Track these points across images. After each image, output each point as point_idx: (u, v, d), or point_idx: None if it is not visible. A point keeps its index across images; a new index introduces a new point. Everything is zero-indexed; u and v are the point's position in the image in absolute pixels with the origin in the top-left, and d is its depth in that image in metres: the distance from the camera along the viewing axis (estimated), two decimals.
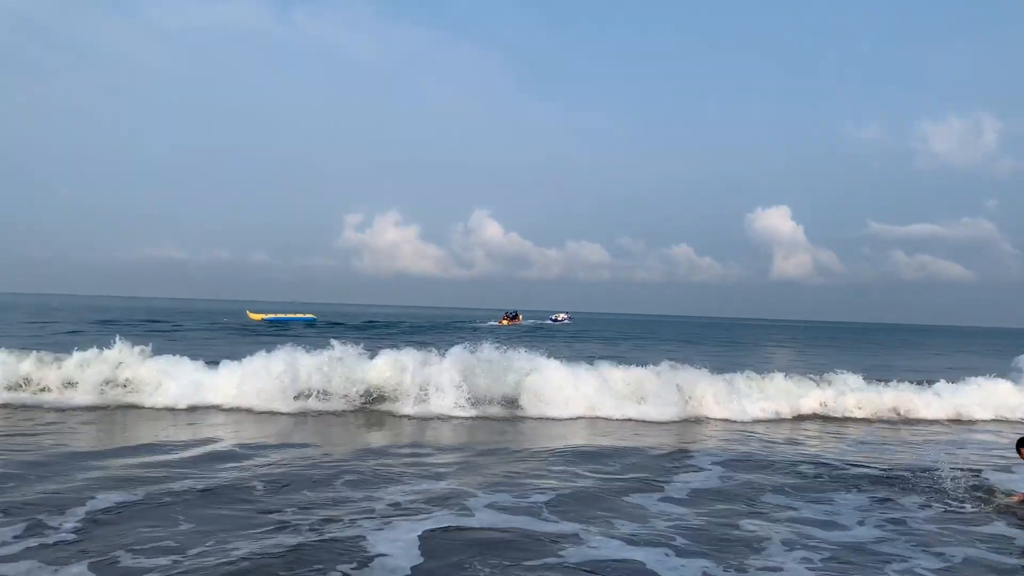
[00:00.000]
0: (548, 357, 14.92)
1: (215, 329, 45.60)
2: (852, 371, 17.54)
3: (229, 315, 68.47)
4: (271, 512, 6.40)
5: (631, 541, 6.04)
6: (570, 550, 5.74)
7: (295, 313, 66.18)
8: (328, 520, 6.20)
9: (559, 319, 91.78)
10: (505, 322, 76.28)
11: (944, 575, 5.69)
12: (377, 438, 10.93)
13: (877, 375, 19.16)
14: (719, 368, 16.64)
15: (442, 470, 8.57)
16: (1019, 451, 8.35)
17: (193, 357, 14.46)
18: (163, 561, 5.04)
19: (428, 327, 61.94)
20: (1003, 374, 18.29)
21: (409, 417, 12.80)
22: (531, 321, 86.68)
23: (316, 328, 53.62)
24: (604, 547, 5.87)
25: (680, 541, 6.11)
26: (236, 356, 14.25)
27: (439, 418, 12.81)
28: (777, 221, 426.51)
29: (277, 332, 45.20)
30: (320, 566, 5.09)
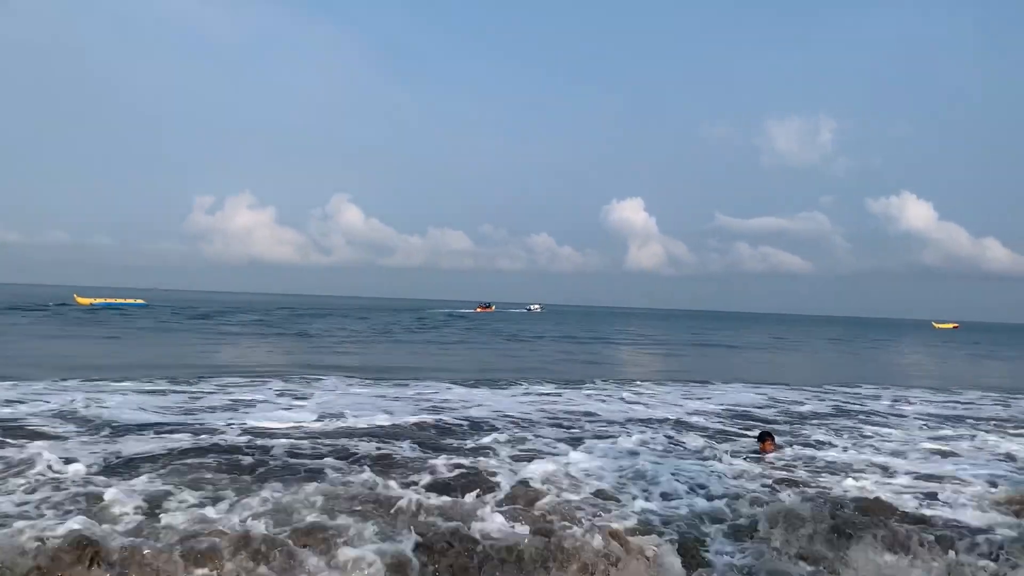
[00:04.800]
0: None
1: None
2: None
3: (56, 299, 66.33)
4: None
5: None
6: None
7: (125, 299, 67.06)
8: None
9: (533, 309, 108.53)
10: (479, 310, 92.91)
11: None
12: None
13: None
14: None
15: None
16: (761, 444, 9.42)
17: None
18: None
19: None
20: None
21: None
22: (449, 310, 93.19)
23: (149, 311, 54.33)
24: None
25: None
26: None
27: None
28: (631, 213, 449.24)
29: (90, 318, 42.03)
30: None
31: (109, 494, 6.25)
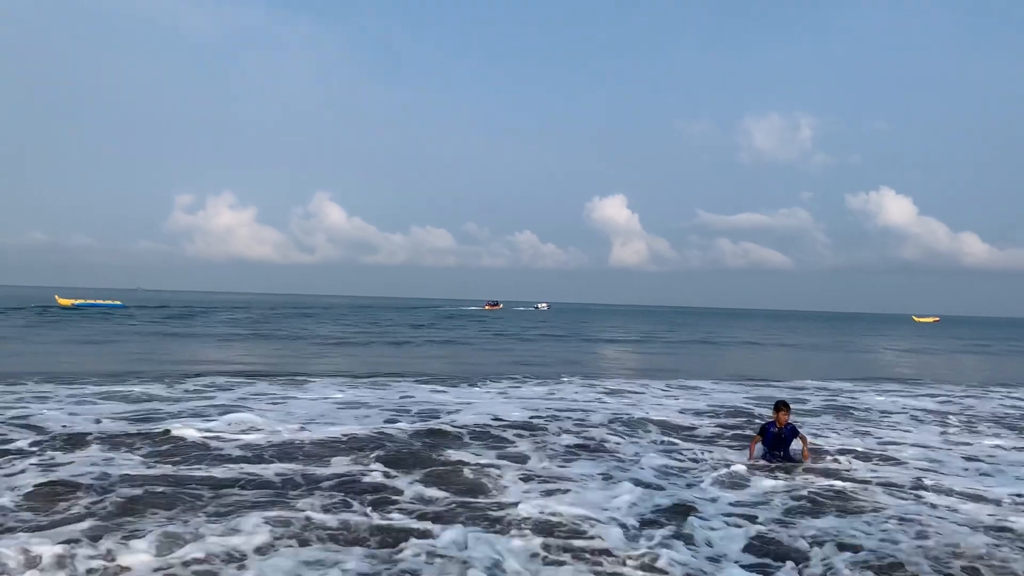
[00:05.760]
0: None
1: None
2: None
3: (38, 301, 66.77)
4: None
5: None
6: None
7: (103, 299, 66.98)
8: None
9: (540, 307, 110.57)
10: (488, 308, 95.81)
11: None
12: None
13: None
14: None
15: None
16: (776, 413, 8.54)
17: None
18: None
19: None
20: None
21: None
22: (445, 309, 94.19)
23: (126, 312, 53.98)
24: None
25: None
26: None
27: None
28: (614, 210, 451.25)
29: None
30: None
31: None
